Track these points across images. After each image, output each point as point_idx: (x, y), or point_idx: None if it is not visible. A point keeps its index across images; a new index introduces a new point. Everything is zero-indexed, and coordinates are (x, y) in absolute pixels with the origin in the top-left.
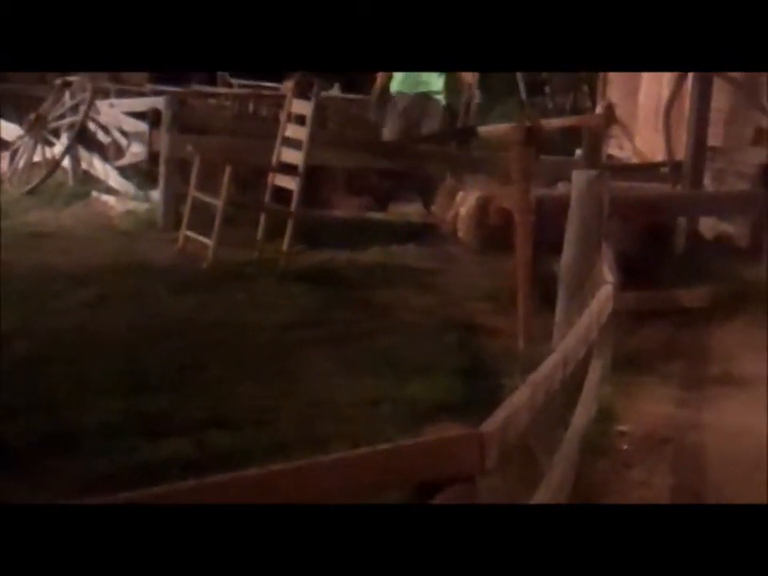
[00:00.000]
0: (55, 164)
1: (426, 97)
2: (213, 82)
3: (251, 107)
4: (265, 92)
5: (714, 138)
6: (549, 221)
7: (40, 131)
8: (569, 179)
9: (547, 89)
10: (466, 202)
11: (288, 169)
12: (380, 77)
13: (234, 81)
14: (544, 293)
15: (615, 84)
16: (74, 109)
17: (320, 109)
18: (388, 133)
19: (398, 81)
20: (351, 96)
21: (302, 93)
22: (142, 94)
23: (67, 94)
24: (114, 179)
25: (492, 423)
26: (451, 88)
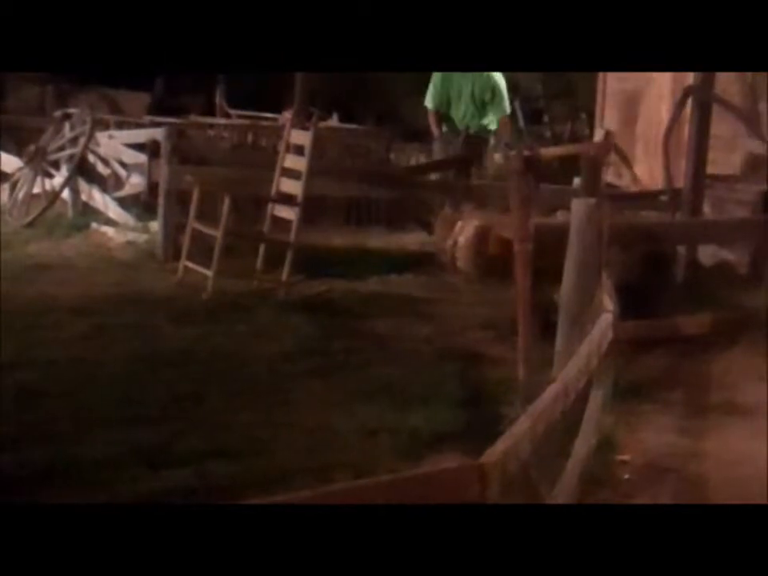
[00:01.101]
0: (55, 196)
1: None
2: (211, 112)
3: (250, 138)
4: (263, 122)
5: (714, 166)
6: (548, 249)
7: (40, 163)
8: (568, 208)
9: (545, 117)
10: (464, 230)
11: (287, 199)
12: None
13: (232, 111)
14: (544, 322)
15: (613, 112)
16: (74, 141)
17: (319, 139)
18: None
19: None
20: (350, 126)
21: (301, 123)
22: (140, 126)
23: (67, 126)
24: (113, 210)
25: (493, 454)
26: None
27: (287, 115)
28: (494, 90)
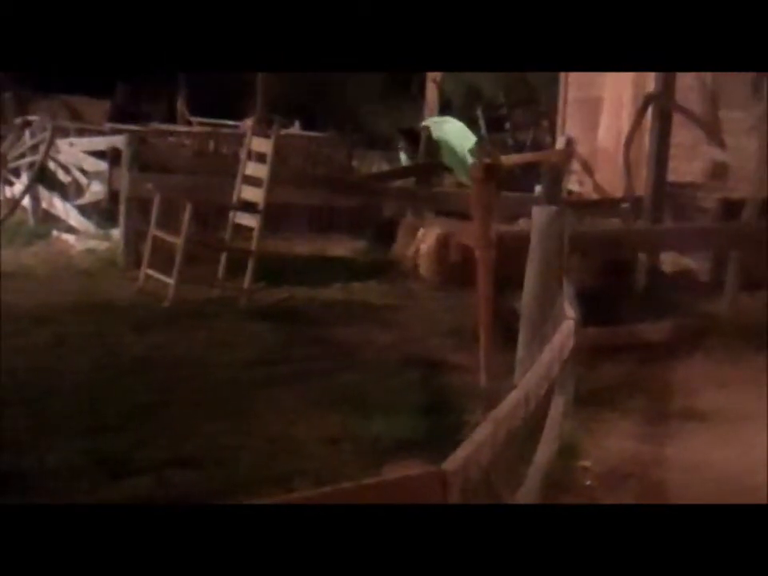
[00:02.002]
0: (15, 203)
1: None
2: (172, 119)
3: (211, 145)
4: (224, 130)
5: (675, 173)
6: (510, 257)
7: (0, 171)
8: (529, 215)
9: (507, 125)
10: (426, 238)
11: (248, 206)
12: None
13: (193, 119)
14: (505, 329)
15: (575, 120)
16: (34, 148)
17: (280, 146)
18: None
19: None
20: (311, 133)
21: (262, 131)
22: (101, 133)
23: (27, 134)
24: (74, 218)
25: (454, 461)
26: None
27: (249, 122)
28: None
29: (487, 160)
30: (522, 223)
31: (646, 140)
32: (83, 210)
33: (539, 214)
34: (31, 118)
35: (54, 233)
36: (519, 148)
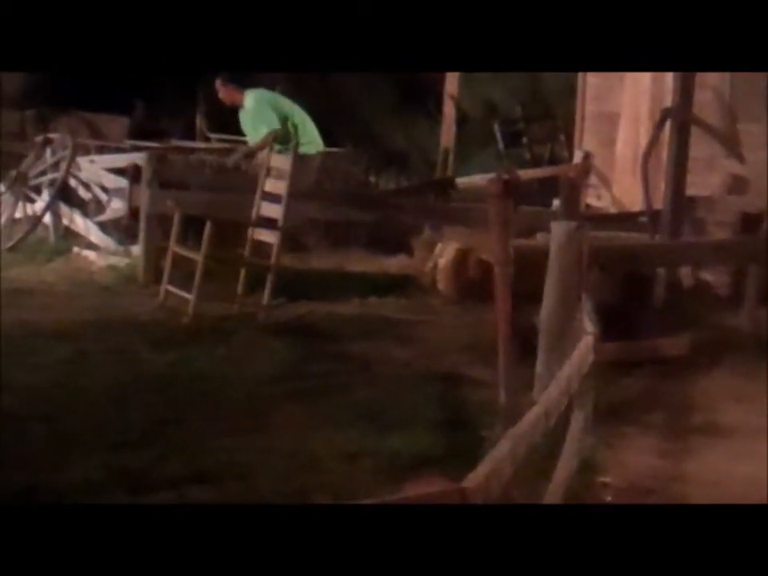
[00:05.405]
0: (36, 220)
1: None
2: (191, 136)
3: (230, 162)
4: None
5: (693, 187)
6: (528, 272)
7: (21, 188)
8: (547, 230)
9: (524, 139)
10: (444, 253)
11: (267, 223)
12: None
13: (212, 135)
14: (524, 344)
15: (592, 133)
16: (55, 165)
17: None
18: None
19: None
20: (329, 149)
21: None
22: (122, 150)
23: (48, 151)
24: (94, 235)
25: (474, 478)
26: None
27: (268, 139)
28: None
29: (505, 176)
30: (539, 238)
31: (664, 154)
32: (104, 227)
33: (558, 229)
34: (52, 135)
35: (75, 249)
36: (536, 162)
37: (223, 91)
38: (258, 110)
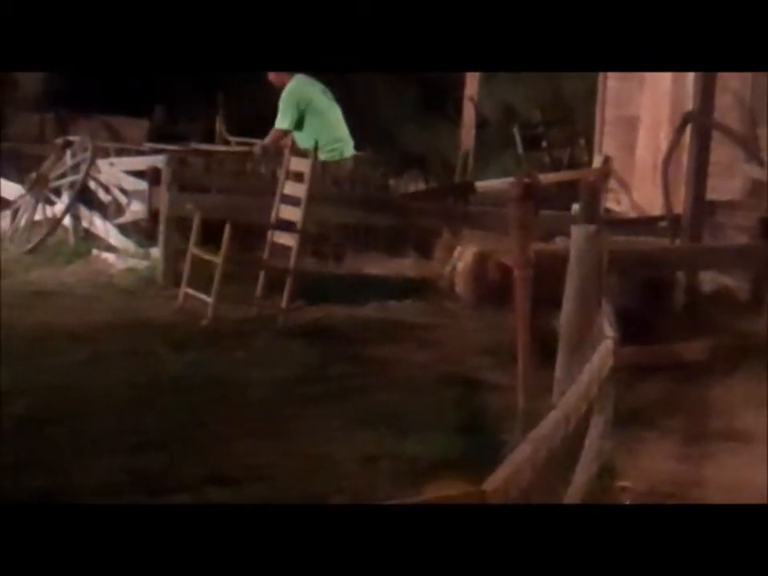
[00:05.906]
0: (56, 222)
1: None
2: (210, 139)
3: (249, 165)
4: None
5: (713, 192)
6: (547, 276)
7: (41, 190)
8: (567, 234)
9: (544, 143)
10: (463, 257)
11: (287, 226)
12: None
13: (231, 138)
14: (544, 348)
15: (612, 137)
16: (75, 168)
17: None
18: None
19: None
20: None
21: (300, 150)
22: (141, 153)
23: (68, 154)
24: (114, 237)
25: (494, 481)
26: None
27: (287, 142)
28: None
29: (526, 179)
30: (559, 242)
31: (684, 158)
32: (123, 229)
33: (577, 233)
34: (72, 138)
35: (94, 252)
36: (556, 167)
37: (273, 73)
38: (283, 102)
